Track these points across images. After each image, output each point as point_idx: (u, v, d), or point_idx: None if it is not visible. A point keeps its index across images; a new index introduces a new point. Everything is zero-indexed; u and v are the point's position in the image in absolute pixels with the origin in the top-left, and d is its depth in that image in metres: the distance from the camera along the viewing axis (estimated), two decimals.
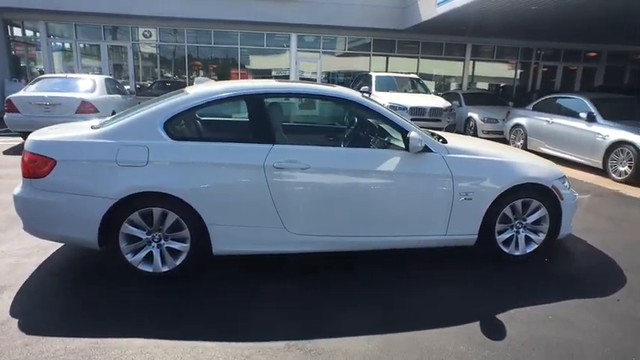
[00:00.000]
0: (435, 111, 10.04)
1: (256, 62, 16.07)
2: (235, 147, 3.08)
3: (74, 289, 3.00)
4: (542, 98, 9.51)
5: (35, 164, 2.90)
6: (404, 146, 3.27)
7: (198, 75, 14.31)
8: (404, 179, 3.26)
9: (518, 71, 17.75)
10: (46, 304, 2.79)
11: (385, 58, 16.48)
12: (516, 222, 3.57)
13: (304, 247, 3.22)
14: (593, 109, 7.79)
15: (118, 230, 2.95)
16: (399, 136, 3.36)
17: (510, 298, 3.02)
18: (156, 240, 3.06)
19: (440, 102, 10.48)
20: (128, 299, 2.84)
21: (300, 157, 3.08)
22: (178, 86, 15.29)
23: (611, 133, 7.27)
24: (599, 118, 7.63)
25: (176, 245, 3.07)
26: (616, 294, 3.11)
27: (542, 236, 3.62)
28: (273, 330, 2.56)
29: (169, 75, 15.69)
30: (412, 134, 3.15)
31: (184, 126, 3.17)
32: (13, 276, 3.08)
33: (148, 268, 3.05)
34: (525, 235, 3.60)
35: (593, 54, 18.02)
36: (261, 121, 3.18)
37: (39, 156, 2.90)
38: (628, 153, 6.89)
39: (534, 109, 9.34)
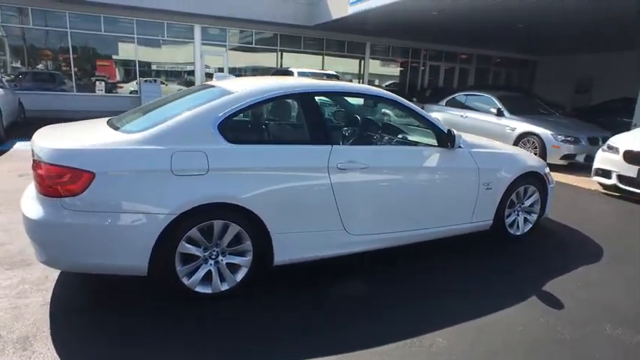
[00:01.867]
0: None
1: (155, 55, 14.73)
2: (297, 149, 2.90)
3: (116, 328, 2.51)
4: (453, 95, 10.64)
5: (63, 179, 2.33)
6: (436, 143, 3.46)
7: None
8: (444, 173, 3.44)
9: (409, 69, 19.45)
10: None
11: (293, 54, 16.55)
12: (517, 206, 4.04)
13: (361, 247, 3.19)
14: (500, 105, 9.02)
15: (174, 250, 2.55)
16: (426, 134, 3.54)
17: (534, 273, 3.44)
18: (213, 257, 2.73)
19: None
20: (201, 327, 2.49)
21: (358, 158, 3.03)
22: (57, 78, 13.44)
23: (518, 125, 8.52)
24: (506, 112, 8.87)
25: (236, 260, 2.78)
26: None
27: (534, 217, 4.16)
28: (370, 331, 2.51)
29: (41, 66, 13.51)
30: (455, 132, 3.34)
31: (238, 127, 2.86)
32: (25, 323, 2.44)
33: (207, 289, 2.71)
34: (524, 217, 4.11)
35: (464, 56, 20.67)
36: (317, 121, 3.03)
37: (68, 169, 2.33)
38: (533, 142, 8.17)
39: (447, 104, 10.42)
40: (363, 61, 18.06)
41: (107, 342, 2.32)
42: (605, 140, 8.16)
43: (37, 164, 2.42)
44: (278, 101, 2.97)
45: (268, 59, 16.23)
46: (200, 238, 2.63)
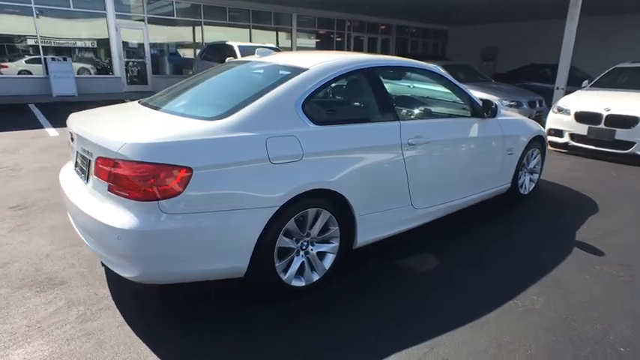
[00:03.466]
0: None
1: (59, 29, 12.82)
2: (374, 127, 2.79)
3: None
4: None
5: (159, 179, 1.98)
6: (469, 114, 3.58)
7: None
8: (482, 142, 3.59)
9: (335, 40, 19.48)
10: None
11: (218, 27, 15.56)
12: (525, 168, 4.38)
13: (421, 221, 3.22)
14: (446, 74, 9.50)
15: (274, 245, 2.35)
16: (458, 105, 3.65)
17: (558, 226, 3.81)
18: (304, 248, 2.56)
19: None
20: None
21: (421, 132, 3.03)
22: None
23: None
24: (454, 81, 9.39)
25: (323, 248, 2.64)
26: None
27: (536, 177, 4.56)
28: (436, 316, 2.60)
29: None
30: (497, 103, 3.48)
31: (318, 107, 2.63)
32: (117, 351, 2.09)
33: (300, 282, 2.55)
34: (529, 178, 4.47)
35: (384, 27, 21.26)
36: (385, 97, 2.93)
37: (164, 166, 1.99)
38: None
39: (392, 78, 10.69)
40: (291, 34, 17.65)
41: (235, 352, 2.09)
42: (540, 103, 9.10)
43: (118, 163, 2.02)
44: (349, 77, 2.80)
45: (192, 33, 15.08)
46: (296, 229, 2.45)
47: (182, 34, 15.09)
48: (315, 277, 2.61)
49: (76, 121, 2.55)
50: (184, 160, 2.02)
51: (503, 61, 19.60)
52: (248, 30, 16.38)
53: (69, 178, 2.64)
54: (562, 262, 3.12)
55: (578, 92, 7.33)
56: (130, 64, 13.94)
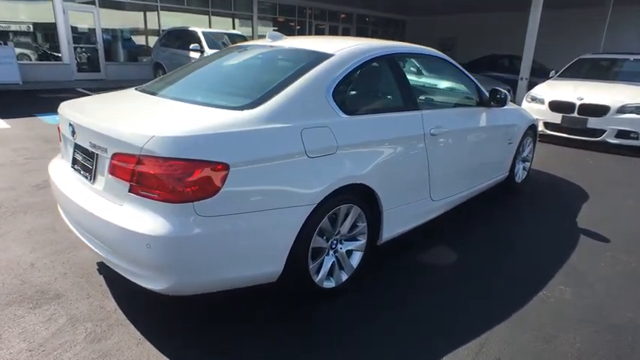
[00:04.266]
0: None
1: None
2: (400, 117, 2.65)
3: None
4: None
5: (193, 177, 1.74)
6: (475, 103, 3.54)
7: None
8: (490, 131, 3.57)
9: (296, 28, 19.12)
10: None
11: (175, 13, 14.73)
12: (520, 156, 4.43)
13: (437, 212, 3.14)
14: (419, 65, 9.55)
15: (308, 246, 2.16)
16: (463, 94, 3.60)
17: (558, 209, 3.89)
18: (333, 247, 2.40)
19: None
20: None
21: (441, 122, 2.93)
22: None
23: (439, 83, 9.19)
24: (424, 71, 9.44)
25: (351, 246, 2.49)
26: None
27: (527, 165, 4.63)
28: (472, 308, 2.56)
29: None
30: (505, 92, 3.44)
31: (346, 96, 2.44)
32: None
33: (330, 284, 2.39)
34: (522, 166, 4.54)
35: (344, 15, 21.15)
36: (406, 85, 2.79)
37: (197, 162, 1.74)
38: None
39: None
40: (251, 21, 17.09)
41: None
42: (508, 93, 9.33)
43: (139, 160, 1.74)
44: (374, 64, 2.62)
45: (148, 19, 14.19)
46: (329, 227, 2.27)
47: (137, 19, 14.18)
48: (344, 277, 2.46)
49: (77, 111, 2.21)
50: (220, 155, 1.79)
51: (462, 51, 20.11)
52: (207, 17, 15.68)
53: (64, 176, 2.30)
54: (574, 250, 3.16)
55: (549, 82, 7.59)
56: (79, 50, 12.90)
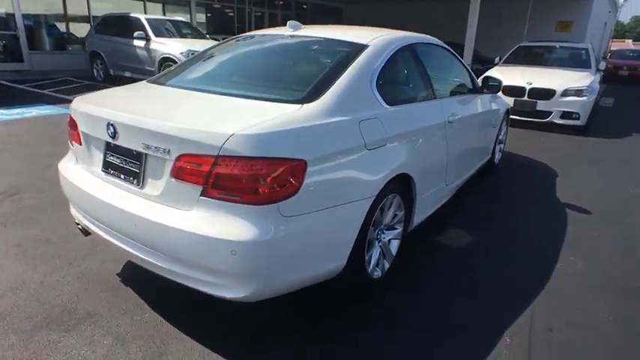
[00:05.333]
0: None
1: None
2: (429, 105, 2.73)
3: None
4: None
5: (275, 176, 1.65)
6: (467, 90, 3.70)
7: None
8: (486, 116, 3.78)
9: (236, 16, 18.48)
10: None
11: None
12: (498, 138, 4.72)
13: (447, 197, 3.27)
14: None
15: (366, 238, 2.16)
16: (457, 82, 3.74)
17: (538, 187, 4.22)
18: (377, 237, 2.42)
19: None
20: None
21: (455, 110, 3.05)
22: None
23: None
24: None
25: (391, 235, 2.53)
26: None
27: (502, 146, 4.96)
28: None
29: None
30: (499, 80, 3.64)
31: (386, 86, 2.41)
32: None
33: (377, 274, 2.41)
34: (499, 147, 4.85)
35: (282, 2, 20.85)
36: (427, 75, 2.85)
37: (280, 161, 1.66)
38: None
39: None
40: (189, 7, 16.24)
41: None
42: None
43: (215, 161, 1.62)
44: (402, 53, 2.62)
45: (75, 4, 12.92)
46: (379, 218, 2.29)
47: (61, 4, 12.85)
48: (387, 266, 2.50)
49: (119, 109, 1.95)
50: (299, 151, 1.72)
51: None
52: (142, 2, 14.64)
53: (91, 181, 2.08)
54: (565, 222, 3.46)
55: (498, 68, 8.12)
56: None
